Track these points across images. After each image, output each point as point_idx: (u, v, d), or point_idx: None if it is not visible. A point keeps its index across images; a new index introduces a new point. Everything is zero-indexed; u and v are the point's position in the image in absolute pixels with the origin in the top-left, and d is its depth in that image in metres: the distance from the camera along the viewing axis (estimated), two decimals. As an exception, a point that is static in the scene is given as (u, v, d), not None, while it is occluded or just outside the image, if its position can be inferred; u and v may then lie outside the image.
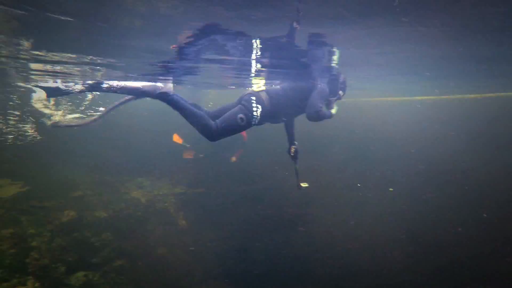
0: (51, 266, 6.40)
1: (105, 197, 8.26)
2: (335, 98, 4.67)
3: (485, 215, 8.01)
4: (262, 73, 6.29)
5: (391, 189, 9.39)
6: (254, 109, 4.06)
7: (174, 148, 10.29)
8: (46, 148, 9.28)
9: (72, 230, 7.22)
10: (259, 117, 4.10)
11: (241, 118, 3.98)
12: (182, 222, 8.34)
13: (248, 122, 4.03)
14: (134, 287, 7.52)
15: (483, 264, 6.90)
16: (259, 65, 5.55)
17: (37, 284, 5.79)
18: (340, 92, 4.74)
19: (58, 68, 5.79)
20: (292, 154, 4.87)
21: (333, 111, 4.58)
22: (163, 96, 3.87)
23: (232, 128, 3.99)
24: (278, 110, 4.31)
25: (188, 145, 9.49)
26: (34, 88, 4.46)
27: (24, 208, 7.40)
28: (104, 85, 3.85)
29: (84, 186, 8.11)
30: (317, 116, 4.15)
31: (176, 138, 9.97)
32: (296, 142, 4.90)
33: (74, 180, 8.81)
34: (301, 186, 4.73)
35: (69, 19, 3.12)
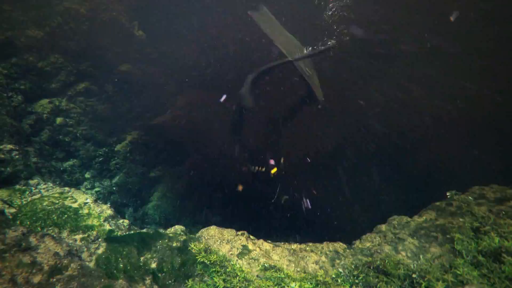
0: (1, 95, 5.65)
1: (33, 11, 6.54)
2: None
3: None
4: None
5: None
6: None
7: None
8: None
9: (7, 55, 6.03)
10: None
11: None
12: (140, 33, 7.10)
13: None
14: (108, 108, 7.21)
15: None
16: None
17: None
18: None
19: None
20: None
21: None
22: None
23: None
24: None
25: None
26: None
27: None
28: None
29: (-4, -2, 6.21)
30: None
31: None
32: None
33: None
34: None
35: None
